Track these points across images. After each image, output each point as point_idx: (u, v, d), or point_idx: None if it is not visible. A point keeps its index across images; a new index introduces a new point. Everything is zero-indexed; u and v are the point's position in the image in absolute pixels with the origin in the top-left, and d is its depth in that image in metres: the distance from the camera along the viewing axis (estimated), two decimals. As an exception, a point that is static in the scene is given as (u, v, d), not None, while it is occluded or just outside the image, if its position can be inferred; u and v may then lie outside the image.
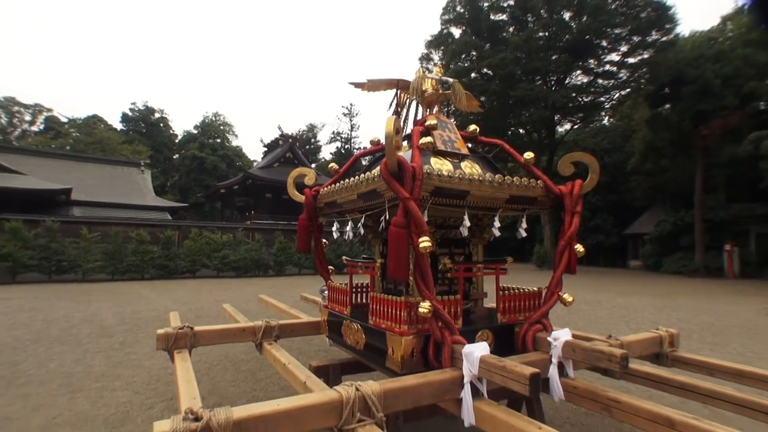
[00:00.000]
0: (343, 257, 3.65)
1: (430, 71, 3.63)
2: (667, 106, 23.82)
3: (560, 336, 2.87)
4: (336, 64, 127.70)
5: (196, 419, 1.70)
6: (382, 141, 3.77)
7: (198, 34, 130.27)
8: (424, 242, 2.37)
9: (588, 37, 23.88)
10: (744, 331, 8.32)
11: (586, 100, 27.42)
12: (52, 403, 4.38)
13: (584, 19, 23.65)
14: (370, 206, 3.02)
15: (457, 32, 28.50)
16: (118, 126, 52.34)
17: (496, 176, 2.90)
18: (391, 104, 3.92)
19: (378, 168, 2.83)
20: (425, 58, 30.54)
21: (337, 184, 3.28)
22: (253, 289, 15.11)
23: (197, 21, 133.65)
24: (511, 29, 26.72)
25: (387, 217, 2.76)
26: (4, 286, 15.71)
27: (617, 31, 23.55)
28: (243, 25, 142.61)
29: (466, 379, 2.36)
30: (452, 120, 3.66)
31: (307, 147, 49.12)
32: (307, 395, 2.01)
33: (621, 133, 31.37)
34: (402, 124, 3.83)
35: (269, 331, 3.78)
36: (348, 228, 3.36)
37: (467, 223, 2.88)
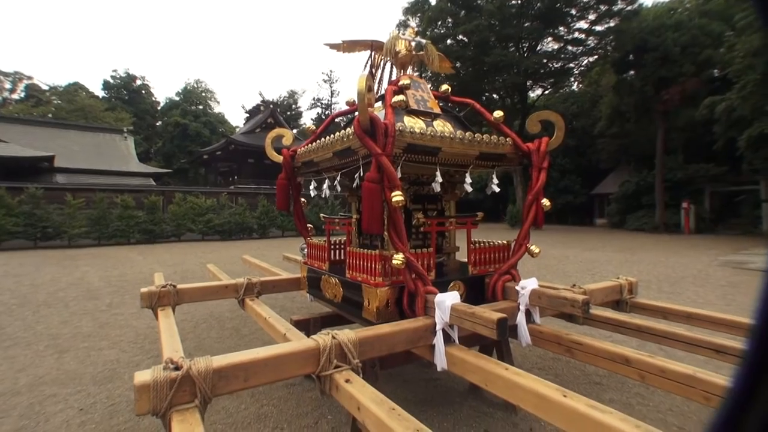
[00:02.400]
0: (321, 214, 3.69)
1: (404, 33, 3.57)
2: (632, 72, 24.80)
3: (527, 285, 3.02)
4: (316, 31, 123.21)
5: (176, 368, 1.78)
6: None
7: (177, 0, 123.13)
8: (397, 196, 2.43)
9: (558, 5, 24.47)
10: (697, 280, 8.84)
11: (556, 66, 28.33)
12: (39, 363, 4.46)
13: None
14: (345, 164, 3.05)
15: None
16: (100, 93, 50.67)
17: (467, 133, 2.94)
18: (365, 65, 3.87)
19: (352, 126, 2.84)
20: (403, 25, 30.37)
21: (314, 144, 3.29)
22: (237, 252, 15.18)
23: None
24: None
25: (362, 173, 2.80)
26: (-13, 254, 15.52)
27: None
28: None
29: (438, 327, 2.48)
30: (428, 84, 3.64)
31: (288, 113, 48.18)
32: (286, 344, 2.11)
33: (589, 98, 32.26)
34: (377, 84, 3.80)
35: (251, 288, 3.87)
36: (325, 186, 3.39)
37: (439, 179, 2.93)
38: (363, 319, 2.83)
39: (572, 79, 31.05)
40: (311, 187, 3.68)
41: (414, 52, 3.43)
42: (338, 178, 3.10)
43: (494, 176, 3.32)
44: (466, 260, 3.60)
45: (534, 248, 3.23)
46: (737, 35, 16.65)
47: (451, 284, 3.04)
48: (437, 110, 3.34)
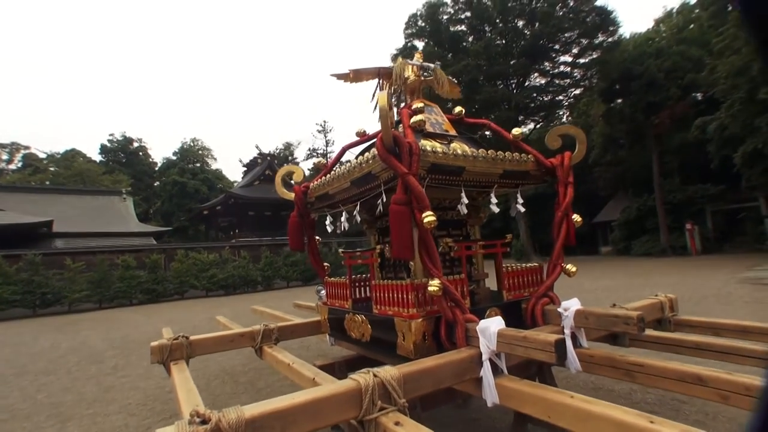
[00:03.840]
0: (340, 250, 3.52)
1: (412, 59, 3.58)
2: (619, 100, 25.65)
3: (570, 306, 2.81)
4: (307, 82, 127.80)
5: (204, 422, 1.56)
6: (368, 132, 3.71)
7: (170, 62, 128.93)
8: (428, 217, 2.28)
9: (542, 41, 25.53)
10: (720, 299, 8.57)
11: (546, 99, 29.20)
12: (41, 435, 4.13)
13: (536, 25, 25.27)
14: (364, 192, 2.93)
15: (420, 44, 29.76)
16: (97, 158, 51.45)
17: (489, 152, 2.85)
18: (374, 95, 3.85)
19: (372, 150, 2.75)
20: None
21: (329, 175, 3.18)
22: (243, 305, 14.78)
23: (168, 50, 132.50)
24: (470, 38, 28.26)
25: (384, 199, 2.67)
26: (-16, 325, 15.05)
27: (567, 34, 25.36)
28: (212, 50, 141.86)
29: (485, 356, 2.26)
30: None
31: (285, 165, 49.14)
32: (323, 386, 1.88)
33: (580, 128, 32.66)
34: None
35: (268, 335, 3.64)
36: (342, 219, 3.25)
37: (465, 200, 2.81)
38: (397, 357, 2.59)
39: (562, 111, 31.83)
40: (327, 222, 3.52)
41: (423, 77, 3.41)
42: (357, 208, 2.96)
43: (519, 196, 3.21)
44: (494, 287, 3.42)
45: (570, 267, 3.05)
46: (716, 58, 17.26)
47: (488, 311, 2.83)
48: (453, 132, 3.27)
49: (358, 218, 2.96)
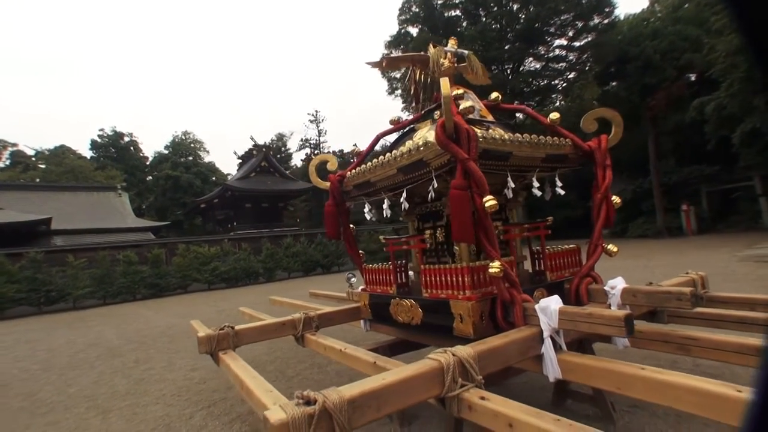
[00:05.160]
0: (381, 236, 3.57)
1: (445, 45, 3.58)
2: (614, 83, 25.57)
3: (616, 284, 2.90)
4: (298, 71, 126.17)
5: (308, 403, 1.62)
6: (403, 118, 3.73)
7: (158, 55, 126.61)
8: (490, 201, 2.34)
9: (537, 25, 25.37)
10: (726, 277, 8.69)
11: (542, 84, 29.09)
12: (86, 426, 4.18)
13: (531, 8, 25.07)
14: (411, 179, 2.97)
15: (414, 31, 29.40)
16: (88, 154, 50.60)
17: (532, 136, 2.90)
18: (406, 79, 3.88)
19: (422, 137, 2.79)
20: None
21: (370, 163, 3.21)
22: (249, 297, 14.86)
23: (155, 42, 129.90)
24: (465, 23, 27.89)
25: (436, 185, 2.72)
26: (-8, 323, 15.03)
27: (562, 17, 25.19)
28: (199, 41, 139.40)
29: (546, 334, 2.34)
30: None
31: (278, 156, 48.42)
32: (406, 367, 1.94)
33: (574, 112, 32.86)
34: (418, 100, 3.79)
35: (309, 323, 3.70)
36: (385, 206, 3.30)
37: (511, 184, 2.87)
38: (454, 338, 2.66)
39: (554, 95, 31.80)
40: (366, 210, 3.57)
41: (456, 64, 3.43)
42: (404, 195, 3.01)
43: (557, 179, 3.27)
44: (529, 268, 3.50)
45: (612, 247, 3.13)
46: (715, 37, 17.25)
47: (535, 292, 2.91)
48: (491, 118, 3.31)
49: (405, 205, 3.00)
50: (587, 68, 26.30)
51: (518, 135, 2.81)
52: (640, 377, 1.91)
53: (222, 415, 4.03)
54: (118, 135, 52.57)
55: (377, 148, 4.06)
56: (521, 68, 28.05)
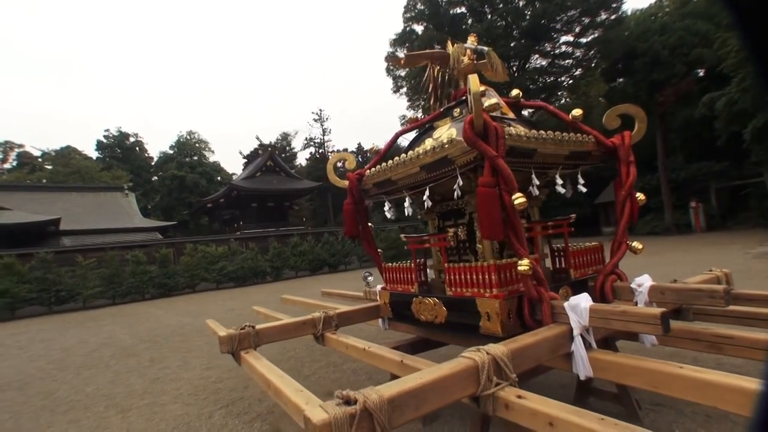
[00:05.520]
0: (402, 235, 3.56)
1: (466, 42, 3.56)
2: (621, 80, 25.30)
3: (643, 282, 2.87)
4: (302, 70, 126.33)
5: (348, 402, 1.61)
6: (407, 116, 3.70)
7: (161, 56, 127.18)
8: (519, 198, 2.32)
9: (543, 21, 25.13)
10: (741, 274, 8.55)
11: (548, 81, 28.90)
12: (107, 424, 4.22)
13: (537, 5, 24.86)
14: (434, 177, 2.94)
15: (419, 29, 29.27)
16: (94, 154, 51.00)
17: (556, 133, 2.87)
18: (425, 77, 3.86)
19: (446, 135, 2.77)
20: (392, 57, 31.15)
21: (391, 161, 3.19)
22: (258, 296, 14.92)
23: (159, 44, 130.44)
24: (470, 21, 27.68)
25: (461, 183, 2.70)
26: (5, 323, 15.21)
27: (569, 13, 24.91)
28: (203, 42, 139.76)
29: (576, 332, 2.32)
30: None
31: (283, 155, 48.40)
32: (441, 366, 1.92)
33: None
34: (436, 98, 3.78)
35: (328, 321, 3.69)
36: (406, 204, 3.28)
37: (536, 181, 2.84)
38: (480, 336, 2.65)
39: (560, 92, 31.68)
40: (386, 208, 3.55)
41: (476, 61, 3.41)
42: (427, 193, 2.99)
43: (579, 176, 3.25)
44: (549, 266, 3.48)
45: (636, 244, 3.10)
46: (726, 31, 17.04)
47: (561, 290, 2.89)
48: (512, 115, 3.28)
49: (428, 203, 2.98)
50: (594, 65, 26.12)
51: (542, 132, 2.79)
52: (678, 376, 1.88)
53: (241, 414, 4.04)
54: (124, 135, 52.86)
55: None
56: (527, 65, 27.92)
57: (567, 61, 27.27)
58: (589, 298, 2.38)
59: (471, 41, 3.50)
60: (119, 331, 10.43)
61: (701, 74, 23.57)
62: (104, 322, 12.70)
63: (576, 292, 3.00)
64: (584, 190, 3.23)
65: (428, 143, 3.08)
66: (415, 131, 3.89)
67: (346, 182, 3.71)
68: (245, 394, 4.61)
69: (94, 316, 14.47)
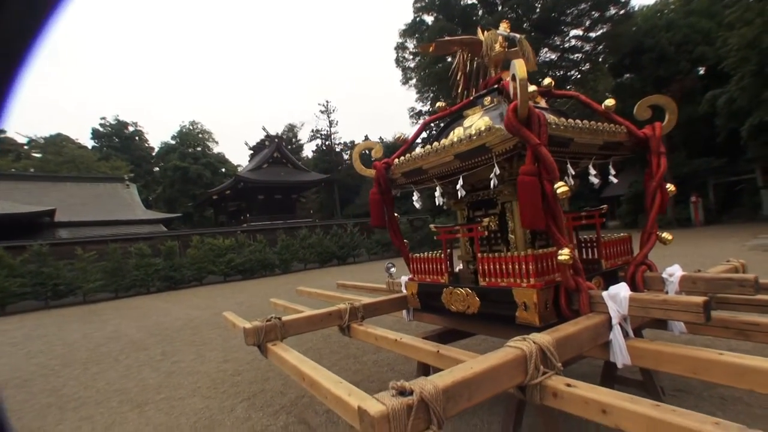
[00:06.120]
0: (432, 225, 3.54)
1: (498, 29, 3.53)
2: (628, 75, 25.58)
3: (674, 272, 2.88)
4: (308, 61, 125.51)
5: (402, 393, 1.60)
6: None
7: (162, 43, 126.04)
8: (561, 188, 2.31)
9: (553, 15, 25.30)
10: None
11: (557, 74, 28.93)
12: (123, 419, 4.18)
13: None
14: (467, 166, 2.93)
15: (429, 19, 29.05)
16: (89, 143, 49.89)
17: (591, 123, 2.86)
18: (454, 65, 3.84)
19: (483, 123, 2.75)
20: (400, 47, 31.05)
21: (422, 150, 3.18)
22: (267, 288, 14.92)
23: (160, 31, 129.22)
24: (481, 12, 27.56)
25: (498, 172, 2.68)
26: (-5, 319, 14.76)
27: (579, 7, 25.04)
28: (206, 30, 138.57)
29: (615, 321, 2.32)
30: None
31: (289, 147, 48.16)
32: (489, 355, 1.91)
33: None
34: (465, 85, 3.75)
35: (354, 313, 3.67)
36: (437, 194, 3.27)
37: (572, 171, 2.84)
38: (516, 326, 2.64)
39: (569, 87, 31.78)
40: (414, 198, 3.54)
41: (507, 49, 3.38)
42: (460, 182, 2.97)
43: (611, 167, 3.25)
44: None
45: (666, 235, 3.10)
46: (727, 30, 17.16)
47: (594, 279, 2.88)
48: (544, 104, 3.26)
49: (461, 193, 2.97)
50: (602, 59, 26.18)
51: (578, 121, 2.77)
52: (718, 362, 1.90)
53: (265, 407, 4.03)
54: (122, 124, 51.89)
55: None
56: (537, 58, 27.96)
57: (576, 55, 27.36)
58: (628, 288, 2.38)
59: (503, 28, 3.47)
60: (126, 324, 10.40)
61: (702, 72, 23.77)
62: (108, 316, 12.66)
63: (607, 282, 3.02)
64: (615, 180, 3.22)
65: (459, 132, 3.07)
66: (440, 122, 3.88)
67: (373, 171, 3.68)
68: (266, 387, 4.60)
69: (97, 310, 14.43)
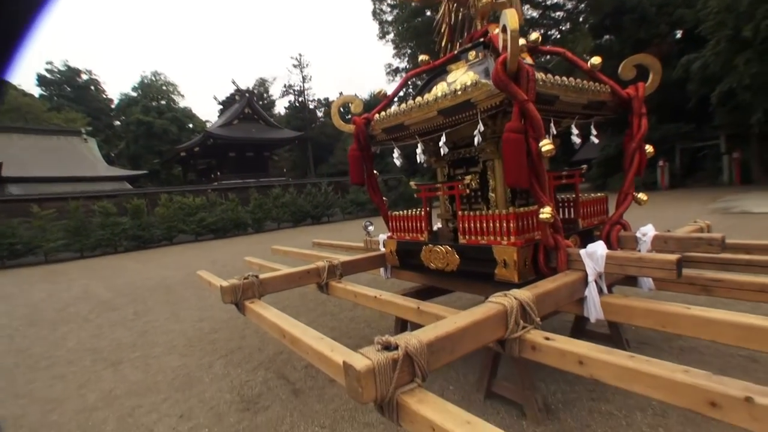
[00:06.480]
0: (412, 183, 3.49)
1: None
2: (608, 36, 25.46)
3: (648, 232, 2.97)
4: (281, 11, 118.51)
5: (387, 348, 1.60)
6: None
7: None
8: (547, 145, 2.28)
9: None
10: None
11: (539, 33, 28.38)
12: (97, 378, 4.12)
13: None
14: (450, 122, 2.86)
15: None
16: (36, 91, 45.81)
17: (577, 80, 2.82)
18: (438, 16, 3.67)
19: (469, 78, 2.67)
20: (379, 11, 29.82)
21: (404, 105, 3.07)
22: (240, 247, 14.77)
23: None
24: None
25: (482, 128, 2.63)
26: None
27: None
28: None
29: (591, 278, 2.38)
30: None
31: (261, 103, 46.06)
32: (473, 310, 1.94)
33: (565, 66, 32.52)
34: (449, 38, 3.61)
35: (333, 270, 3.65)
36: (419, 151, 3.20)
37: (554, 130, 2.82)
38: (495, 284, 2.68)
39: (548, 47, 31.64)
40: (395, 155, 3.46)
41: (495, 0, 3.25)
42: (443, 139, 2.91)
43: (592, 127, 3.25)
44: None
45: (642, 196, 3.17)
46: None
47: (570, 238, 2.94)
48: (530, 61, 3.18)
49: (444, 150, 2.91)
50: (582, 19, 25.84)
51: (564, 78, 2.72)
52: (686, 316, 1.99)
53: (243, 363, 4.05)
54: (73, 71, 47.90)
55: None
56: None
57: (558, 13, 26.83)
58: (605, 246, 2.43)
59: (490, -23, 3.31)
60: (94, 285, 10.12)
61: (679, 36, 23.82)
62: (74, 275, 12.28)
63: (583, 241, 3.09)
64: (596, 141, 3.24)
65: (443, 87, 2.97)
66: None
67: (352, 127, 3.56)
68: (243, 344, 4.61)
69: (61, 270, 13.95)
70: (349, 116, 3.81)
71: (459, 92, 2.60)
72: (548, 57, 3.88)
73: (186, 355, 4.51)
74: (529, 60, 3.19)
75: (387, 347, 1.62)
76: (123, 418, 3.20)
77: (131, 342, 5.20)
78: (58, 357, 4.91)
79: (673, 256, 2.13)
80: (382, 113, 3.31)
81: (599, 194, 3.43)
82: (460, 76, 3.02)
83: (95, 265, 14.73)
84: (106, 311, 7.05)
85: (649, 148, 3.16)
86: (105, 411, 3.37)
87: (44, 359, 4.87)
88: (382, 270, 4.04)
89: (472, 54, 3.18)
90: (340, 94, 48.90)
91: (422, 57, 3.51)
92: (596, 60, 3.10)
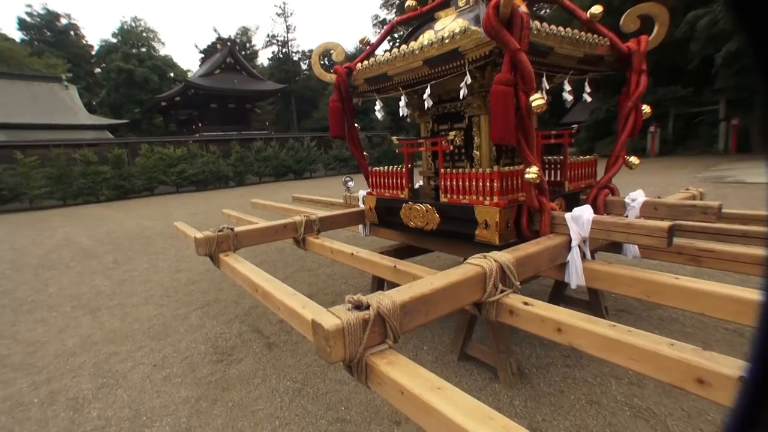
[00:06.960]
0: (394, 138, 3.32)
1: None
2: None
3: (637, 197, 2.87)
4: None
5: (358, 307, 1.52)
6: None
7: None
8: (537, 100, 2.12)
9: None
10: None
11: None
12: (77, 324, 4.11)
13: None
14: (436, 74, 2.67)
15: None
16: (17, 35, 43.83)
17: (574, 31, 2.61)
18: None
19: (458, 25, 2.45)
20: None
21: (388, 54, 2.85)
22: (220, 200, 14.56)
23: None
24: None
25: (469, 81, 2.44)
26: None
27: None
28: None
29: (574, 243, 2.31)
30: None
31: (243, 53, 43.91)
32: (451, 271, 1.85)
33: (559, 21, 30.98)
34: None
35: (310, 226, 3.55)
36: (402, 103, 3.02)
37: (546, 86, 2.64)
38: (474, 245, 2.60)
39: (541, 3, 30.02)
40: (377, 108, 3.26)
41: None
42: (428, 91, 2.72)
43: (586, 84, 3.07)
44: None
45: (634, 159, 3.05)
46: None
47: (556, 201, 2.84)
48: (525, 9, 2.93)
49: (429, 103, 2.73)
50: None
51: (561, 29, 2.51)
52: (674, 286, 1.91)
53: (218, 315, 4.02)
54: (53, 15, 45.60)
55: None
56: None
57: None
58: (591, 210, 2.34)
59: None
60: (76, 233, 9.94)
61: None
62: (57, 223, 12.05)
63: (569, 204, 3.00)
64: (589, 99, 3.07)
65: (429, 35, 2.75)
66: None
67: (333, 76, 3.33)
68: (220, 296, 4.57)
69: (45, 218, 13.69)
70: (332, 66, 3.56)
71: (446, 40, 2.39)
72: (546, 10, 3.61)
73: (162, 305, 4.47)
74: (524, 8, 2.95)
75: (358, 307, 1.54)
76: (99, 364, 3.19)
77: (110, 290, 5.15)
78: (40, 302, 4.90)
79: (665, 224, 2.05)
80: (365, 62, 3.09)
81: (588, 156, 3.29)
82: (449, 24, 2.79)
83: (77, 213, 14.47)
84: (87, 259, 6.95)
85: (646, 108, 3.01)
86: (82, 356, 3.36)
87: (27, 303, 4.88)
88: (360, 227, 3.95)
89: (462, 0, 2.93)
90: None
91: (409, 2, 3.23)
92: (596, 9, 2.88)
